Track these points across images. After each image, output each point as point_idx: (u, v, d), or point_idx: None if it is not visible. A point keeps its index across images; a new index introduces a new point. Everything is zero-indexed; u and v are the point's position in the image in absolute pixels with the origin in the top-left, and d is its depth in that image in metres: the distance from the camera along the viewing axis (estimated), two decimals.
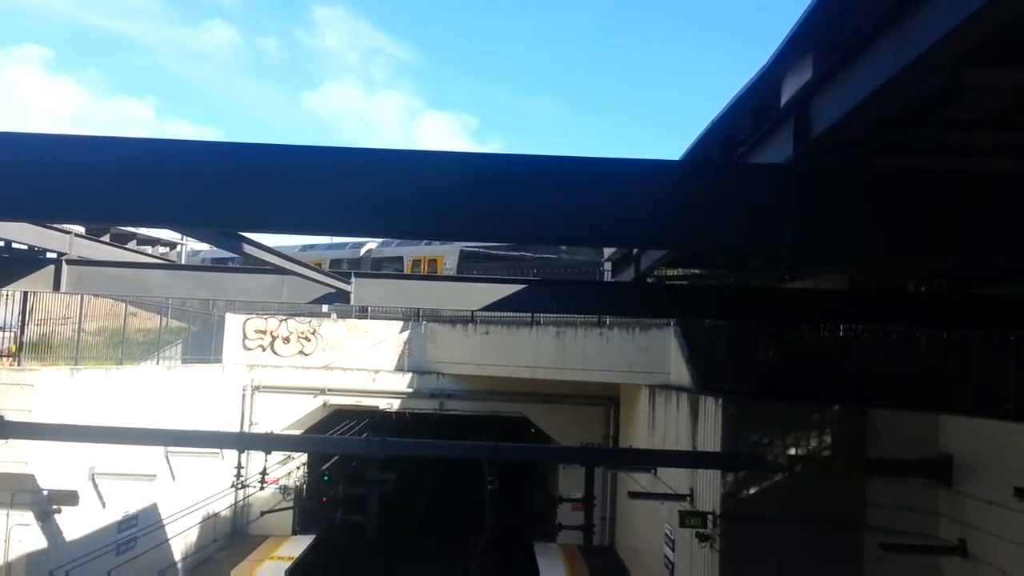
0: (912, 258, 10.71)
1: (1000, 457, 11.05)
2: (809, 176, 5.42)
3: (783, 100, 5.82)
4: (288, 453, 24.55)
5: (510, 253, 32.34)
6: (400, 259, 36.54)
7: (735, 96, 6.41)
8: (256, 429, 25.87)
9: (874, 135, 6.04)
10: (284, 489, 26.32)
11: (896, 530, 12.57)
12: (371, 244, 39.19)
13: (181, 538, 21.55)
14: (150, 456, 18.98)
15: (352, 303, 12.11)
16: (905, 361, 14.57)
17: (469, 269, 30.16)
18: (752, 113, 6.57)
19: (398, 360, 27.90)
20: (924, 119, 5.98)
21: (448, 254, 34.92)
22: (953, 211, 5.36)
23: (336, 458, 25.40)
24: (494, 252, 32.77)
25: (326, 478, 26.74)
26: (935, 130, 6.27)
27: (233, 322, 27.82)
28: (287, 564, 21.98)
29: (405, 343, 27.99)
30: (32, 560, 15.21)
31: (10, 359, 16.61)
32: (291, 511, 26.49)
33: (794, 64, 5.52)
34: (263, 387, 27.02)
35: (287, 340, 27.89)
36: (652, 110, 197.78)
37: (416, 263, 35.77)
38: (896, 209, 5.35)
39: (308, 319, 28.07)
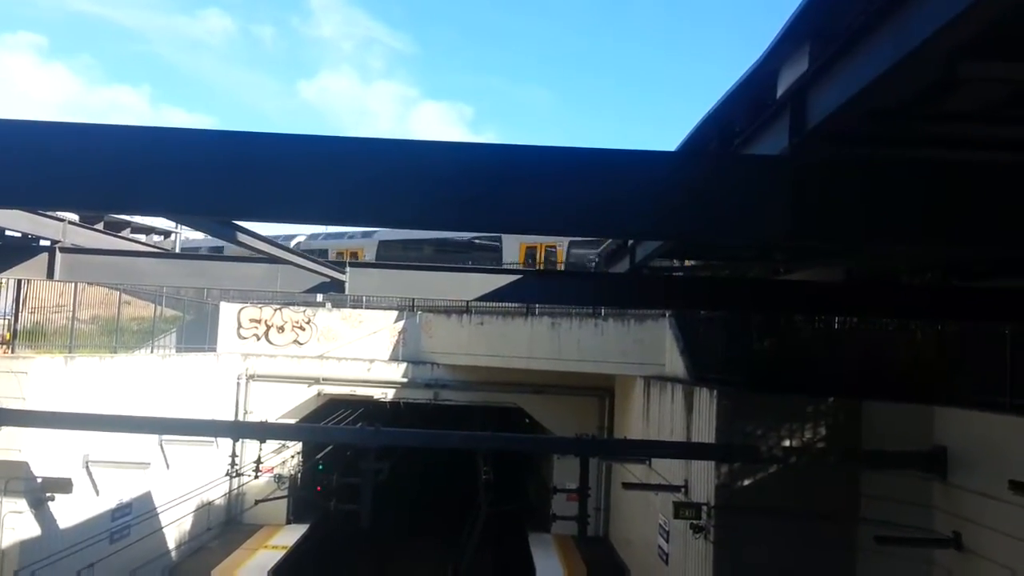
0: (909, 249, 10.71)
1: (995, 450, 11.08)
2: (806, 167, 5.40)
3: (779, 91, 5.78)
4: (282, 442, 24.55)
5: (429, 240, 33.16)
6: (326, 252, 37.13)
7: (731, 87, 6.37)
8: (250, 418, 25.86)
9: (871, 126, 6.02)
10: (278, 478, 26.36)
11: (890, 522, 12.59)
12: (300, 238, 41.10)
13: (175, 526, 21.58)
14: (144, 444, 18.97)
15: (346, 292, 12.05)
16: (900, 353, 14.58)
17: (388, 258, 31.10)
18: (748, 104, 6.53)
19: (393, 350, 27.90)
20: (921, 111, 5.96)
21: (367, 246, 35.98)
22: (950, 203, 5.35)
23: (331, 447, 25.41)
24: (412, 240, 33.58)
25: (321, 467, 26.76)
26: (932, 122, 6.25)
27: (228, 311, 27.80)
28: (280, 552, 22.03)
29: (400, 333, 27.99)
30: (25, 547, 15.22)
31: (4, 347, 16.59)
32: (285, 500, 26.54)
33: (791, 55, 5.48)
34: (257, 376, 27.00)
35: (282, 329, 27.88)
36: (645, 102, 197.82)
37: (340, 255, 36.39)
38: (893, 200, 5.33)
39: (303, 308, 28.05)
